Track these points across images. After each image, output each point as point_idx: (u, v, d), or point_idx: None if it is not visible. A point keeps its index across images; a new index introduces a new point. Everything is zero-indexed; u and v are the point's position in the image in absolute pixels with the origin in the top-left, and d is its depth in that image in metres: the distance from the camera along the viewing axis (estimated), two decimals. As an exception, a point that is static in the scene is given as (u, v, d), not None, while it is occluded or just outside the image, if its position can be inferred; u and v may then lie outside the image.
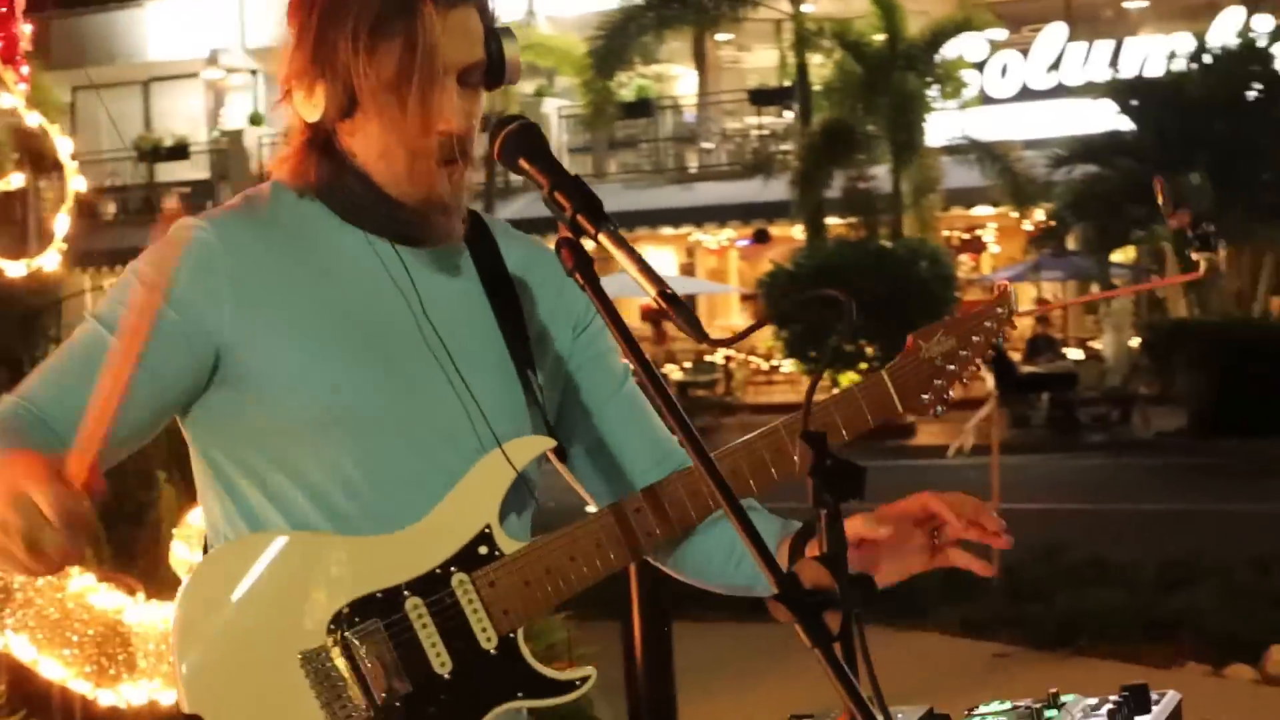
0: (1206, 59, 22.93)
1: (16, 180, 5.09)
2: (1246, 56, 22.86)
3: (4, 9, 4.99)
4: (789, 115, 28.03)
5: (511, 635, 2.21)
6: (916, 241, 24.06)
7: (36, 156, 5.40)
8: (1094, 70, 27.52)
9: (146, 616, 5.09)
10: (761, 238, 29.35)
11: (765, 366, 27.42)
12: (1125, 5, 33.23)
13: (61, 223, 5.14)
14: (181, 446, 2.95)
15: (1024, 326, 23.90)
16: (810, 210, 24.71)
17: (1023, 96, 28.15)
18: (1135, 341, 24.10)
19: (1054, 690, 2.21)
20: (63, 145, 5.15)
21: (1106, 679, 4.29)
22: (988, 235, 33.63)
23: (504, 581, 2.21)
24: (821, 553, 1.76)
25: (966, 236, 33.43)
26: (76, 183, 5.17)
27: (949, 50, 25.35)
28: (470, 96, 2.24)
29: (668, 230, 30.43)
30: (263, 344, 2.20)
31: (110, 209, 31.29)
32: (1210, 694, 7.47)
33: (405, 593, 2.19)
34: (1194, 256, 2.69)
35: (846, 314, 1.92)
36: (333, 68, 2.18)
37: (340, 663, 2.16)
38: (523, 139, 2.09)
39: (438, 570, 2.20)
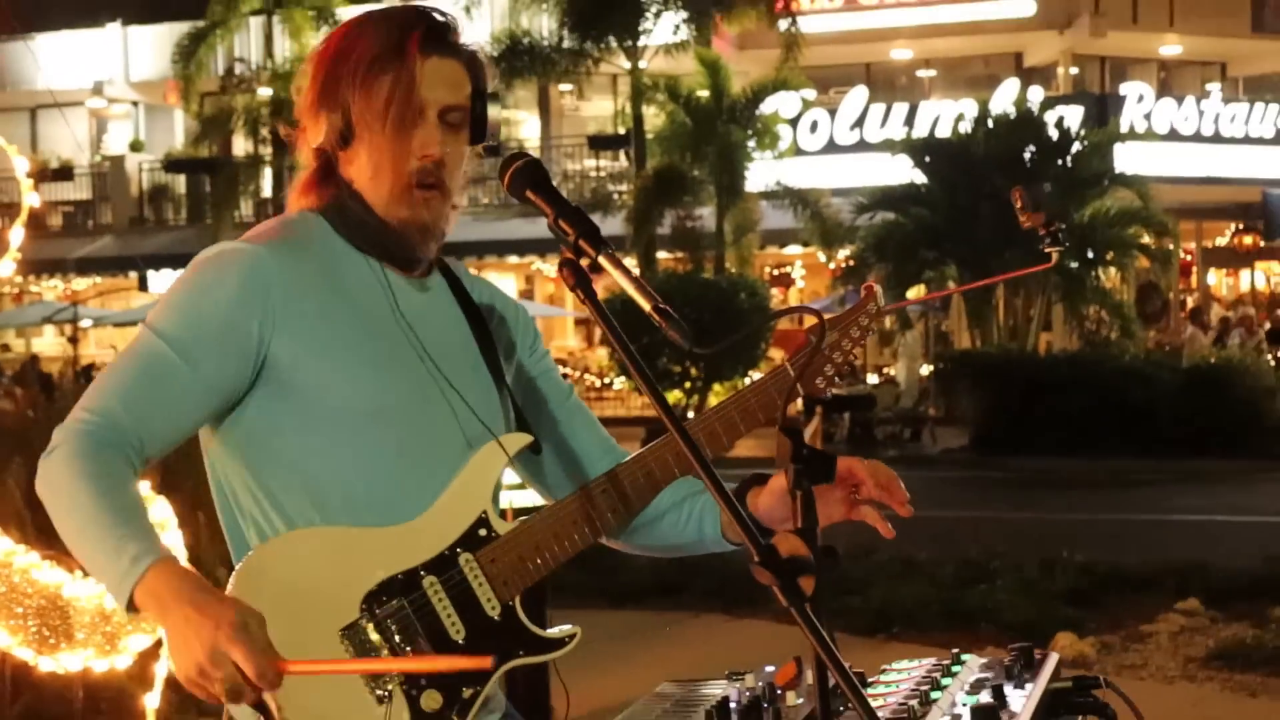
0: (989, 123, 23.16)
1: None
2: (1022, 122, 23.12)
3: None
4: (624, 160, 28.11)
5: (511, 603, 2.32)
6: (736, 276, 24.19)
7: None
8: (892, 129, 27.80)
9: (83, 591, 5.05)
10: (595, 269, 29.38)
11: (598, 384, 27.49)
12: (919, 74, 33.88)
13: (17, 234, 5.09)
14: None
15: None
16: (643, 245, 24.72)
17: (830, 150, 28.36)
18: (925, 369, 24.40)
19: (956, 650, 2.35)
20: (19, 164, 5.12)
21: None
22: (796, 272, 33.98)
23: (502, 558, 2.32)
24: (797, 527, 1.89)
25: (778, 272, 33.76)
26: (31, 198, 5.13)
27: (767, 107, 25.45)
28: (451, 134, 2.36)
29: (513, 259, 30.39)
30: (302, 347, 2.30)
31: (-2, 224, 30.63)
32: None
33: (422, 573, 2.29)
34: (1046, 249, 2.88)
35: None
36: (335, 100, 2.33)
37: (374, 635, 2.25)
38: (529, 173, 2.21)
39: (446, 552, 2.31)
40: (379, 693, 2.23)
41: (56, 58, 32.90)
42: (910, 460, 21.14)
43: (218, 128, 28.53)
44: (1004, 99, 25.31)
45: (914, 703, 2.14)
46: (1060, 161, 22.54)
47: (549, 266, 32.99)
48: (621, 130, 28.91)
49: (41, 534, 5.21)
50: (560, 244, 2.15)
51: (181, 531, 5.08)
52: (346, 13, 26.65)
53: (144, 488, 4.99)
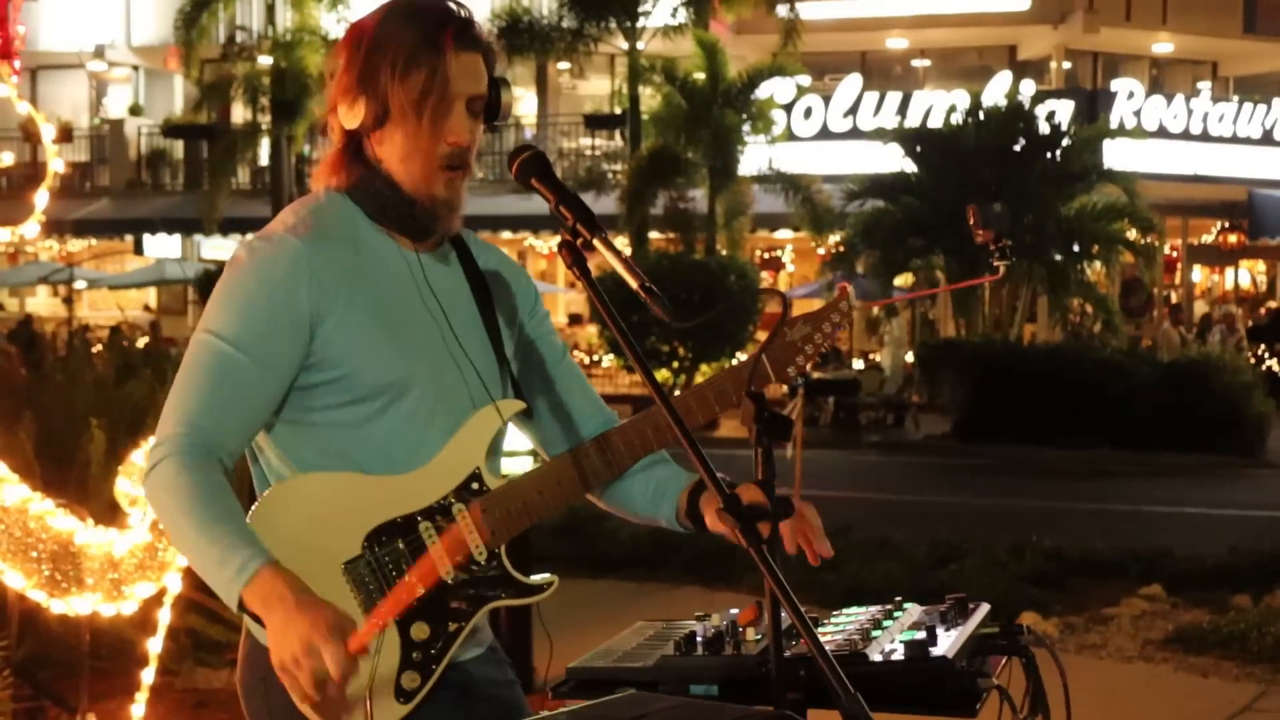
0: (980, 115, 23.22)
1: (6, 158, 5.26)
2: (1013, 115, 23.15)
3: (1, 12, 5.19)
4: (619, 139, 28.24)
5: (496, 550, 2.55)
6: (727, 258, 24.26)
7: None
8: (885, 118, 27.88)
9: (93, 539, 5.28)
10: (589, 246, 29.51)
11: (587, 361, 27.64)
12: (913, 63, 34.02)
13: (42, 197, 5.33)
14: (108, 397, 3.22)
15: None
16: (635, 225, 24.81)
17: (823, 136, 28.48)
18: (909, 356, 24.55)
19: (898, 598, 2.62)
20: (46, 131, 5.35)
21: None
22: (786, 256, 34.15)
23: (492, 509, 2.54)
24: (757, 480, 2.17)
25: (768, 256, 33.91)
26: (56, 164, 5.36)
27: (762, 91, 25.46)
28: (473, 121, 2.60)
29: (506, 234, 30.54)
30: (344, 327, 2.52)
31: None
32: None
33: (419, 518, 2.52)
34: (995, 263, 3.11)
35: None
36: (374, 87, 2.54)
37: (373, 570, 2.49)
38: (534, 163, 2.47)
39: (442, 501, 2.54)
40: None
41: (59, 20, 33.06)
42: (893, 445, 21.38)
43: (217, 95, 28.58)
44: (996, 91, 25.44)
45: (857, 638, 2.42)
46: (1050, 155, 22.61)
47: (541, 242, 33.18)
48: (617, 110, 28.94)
49: (49, 486, 5.46)
50: (560, 227, 2.42)
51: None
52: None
53: (152, 441, 5.27)
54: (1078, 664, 7.02)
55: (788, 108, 27.25)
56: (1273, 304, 32.32)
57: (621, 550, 9.96)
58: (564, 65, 30.46)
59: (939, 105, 26.56)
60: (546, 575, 2.60)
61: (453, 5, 2.63)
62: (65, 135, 34.60)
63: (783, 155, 25.62)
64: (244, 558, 2.35)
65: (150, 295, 35.79)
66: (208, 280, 24.76)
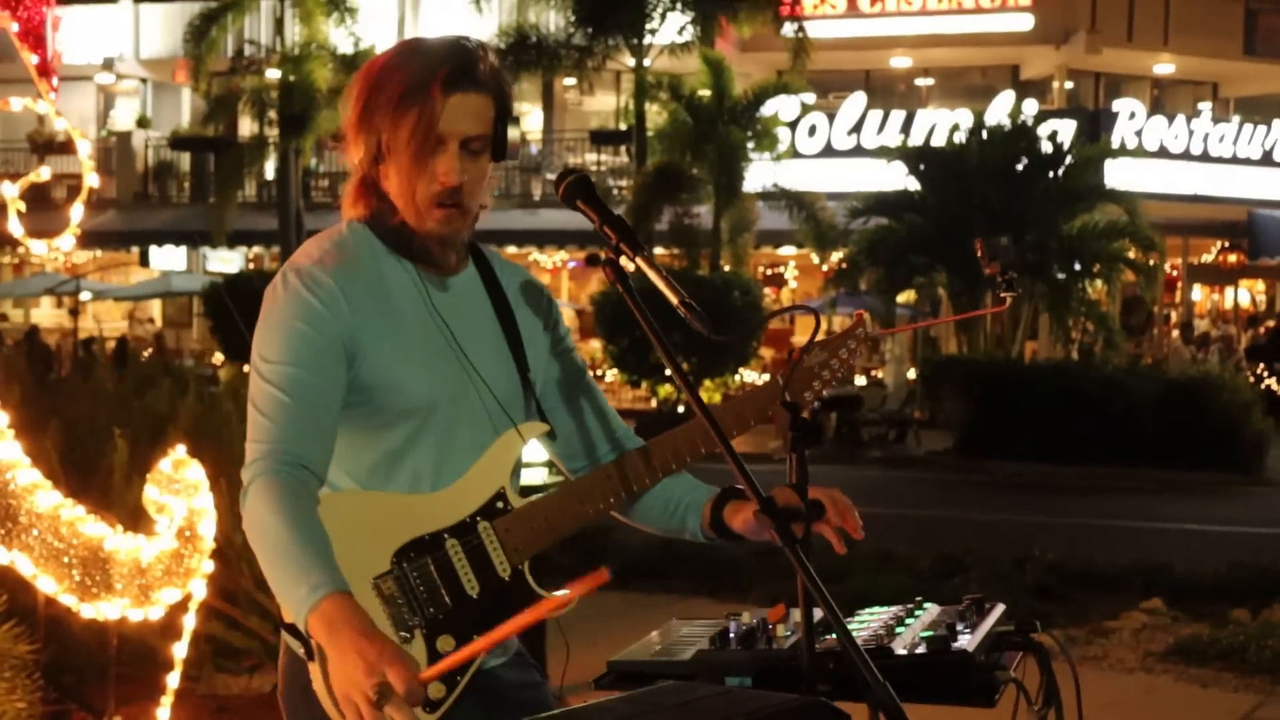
0: (984, 134, 23.28)
1: (45, 173, 5.39)
2: (1016, 134, 23.24)
3: (39, 32, 5.34)
4: (625, 156, 28.37)
5: (520, 567, 2.66)
6: (731, 274, 24.37)
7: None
8: (889, 136, 28.04)
9: (122, 545, 5.39)
10: (593, 261, 29.55)
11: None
12: (916, 82, 34.24)
13: (77, 211, 5.46)
14: (128, 409, 3.28)
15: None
16: (641, 239, 24.69)
17: (827, 154, 28.68)
18: (912, 373, 24.60)
19: (919, 598, 2.77)
20: (82, 147, 5.49)
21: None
22: (789, 273, 34.28)
23: (515, 528, 2.65)
24: (791, 484, 2.31)
25: (771, 272, 34.04)
26: (91, 178, 5.49)
27: (767, 109, 25.54)
28: (471, 160, 2.66)
29: (511, 249, 30.69)
30: (375, 350, 2.64)
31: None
32: None
33: (445, 536, 2.62)
34: (1002, 294, 3.24)
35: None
36: (371, 125, 2.64)
37: (400, 585, 2.58)
38: (579, 186, 2.60)
39: (468, 520, 2.64)
40: (402, 633, 2.55)
41: (67, 32, 33.21)
42: (895, 461, 21.42)
43: (225, 108, 28.71)
44: (999, 111, 25.56)
45: (882, 633, 2.57)
46: (1052, 174, 22.72)
47: (545, 257, 33.33)
48: (623, 126, 29.07)
49: (73, 494, 5.57)
50: (604, 245, 2.55)
51: (212, 494, 5.45)
52: (356, 0, 26.95)
53: (180, 450, 5.38)
54: (1080, 675, 7.15)
55: (792, 125, 27.38)
56: (1271, 323, 32.44)
57: (630, 562, 10.09)
58: (570, 81, 30.56)
59: (942, 124, 26.70)
60: (567, 592, 2.62)
61: (461, 44, 2.70)
62: (69, 148, 34.79)
63: (787, 172, 25.73)
64: (315, 582, 2.40)
65: (154, 307, 35.94)
66: (214, 292, 24.89)
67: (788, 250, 29.80)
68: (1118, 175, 24.36)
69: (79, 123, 34.55)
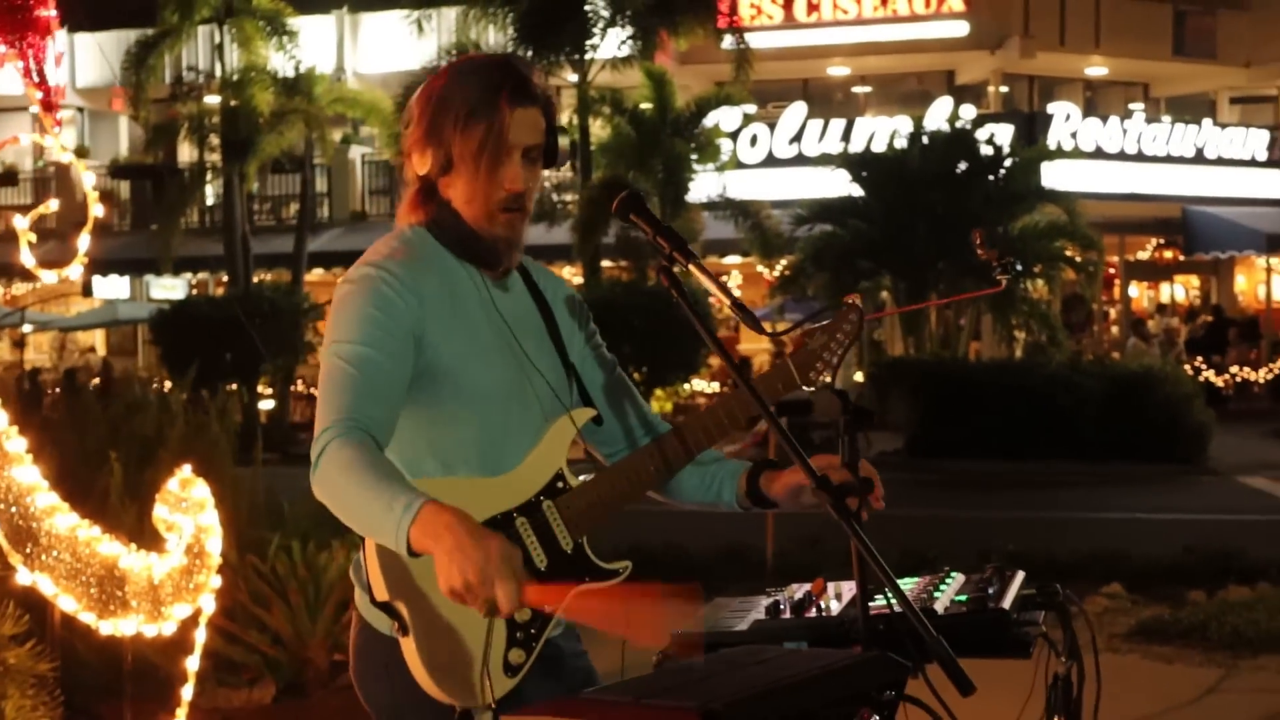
0: (923, 139, 23.56)
1: (53, 205, 5.58)
2: (955, 139, 23.53)
3: (42, 69, 5.52)
4: (570, 170, 28.51)
5: (580, 541, 2.89)
6: (679, 284, 24.65)
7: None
8: (829, 144, 28.33)
9: (135, 563, 5.56)
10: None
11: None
12: (854, 90, 34.64)
13: (84, 240, 5.64)
14: (121, 431, 3.44)
15: (767, 360, 24.65)
16: (588, 254, 24.96)
17: (769, 163, 28.91)
18: (859, 376, 24.90)
19: (947, 568, 3.03)
20: (86, 178, 5.68)
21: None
22: (733, 281, 34.55)
23: (574, 504, 2.87)
24: (844, 462, 2.57)
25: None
26: (96, 209, 5.68)
27: (709, 121, 25.72)
28: (530, 167, 2.94)
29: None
30: (442, 341, 2.86)
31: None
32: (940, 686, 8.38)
33: (515, 515, 2.84)
34: (998, 276, 3.49)
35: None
36: (440, 139, 2.89)
37: None
38: (633, 201, 2.86)
39: (533, 499, 2.86)
40: None
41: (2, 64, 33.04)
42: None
43: (165, 135, 28.68)
44: (937, 116, 25.92)
45: (923, 597, 2.83)
46: (992, 178, 23.01)
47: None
48: (568, 141, 29.17)
49: (88, 516, 5.73)
50: (658, 254, 2.81)
51: (220, 510, 5.64)
52: (296, 23, 26.98)
53: (186, 470, 5.57)
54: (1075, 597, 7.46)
55: (734, 135, 27.62)
56: (1208, 317, 33.02)
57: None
58: (512, 98, 30.59)
59: (882, 131, 27.02)
60: (624, 561, 2.93)
61: (514, 62, 2.98)
62: (11, 179, 34.65)
63: (731, 182, 25.96)
64: (407, 499, 2.58)
65: (96, 337, 35.79)
66: (161, 320, 24.90)
67: (733, 259, 30.04)
68: (1055, 176, 24.68)
69: (15, 154, 34.45)
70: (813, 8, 31.58)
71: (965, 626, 2.66)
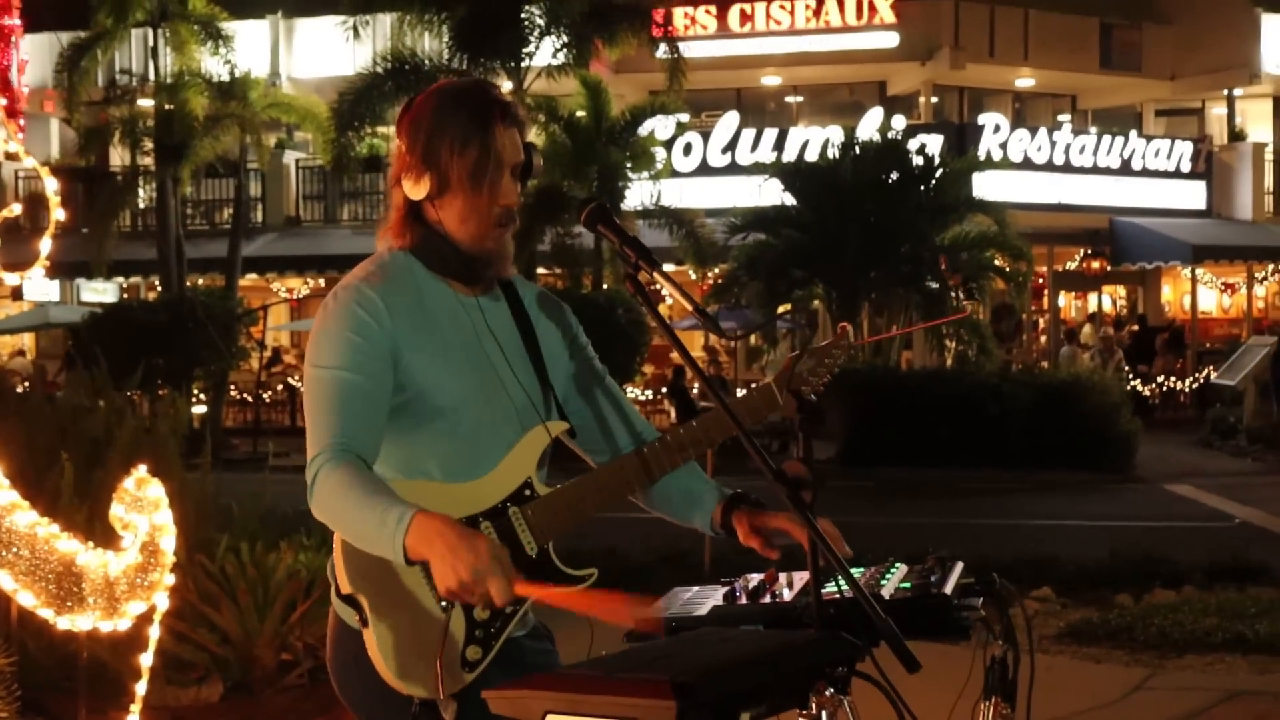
0: (855, 149, 23.71)
1: (16, 209, 5.70)
2: (887, 149, 23.69)
3: (5, 76, 5.64)
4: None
5: (545, 547, 3.03)
6: (613, 292, 24.58)
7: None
8: (762, 153, 28.56)
9: (93, 561, 5.68)
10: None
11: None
12: (787, 100, 34.95)
13: (45, 244, 5.77)
14: (71, 431, 3.50)
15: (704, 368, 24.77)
16: (524, 261, 24.54)
17: (703, 172, 29.11)
18: (792, 383, 24.87)
19: (890, 558, 3.23)
20: (49, 184, 5.81)
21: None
22: (666, 289, 34.62)
23: (539, 512, 3.01)
24: (799, 457, 2.76)
25: (650, 289, 34.34)
26: (58, 213, 5.81)
27: (643, 129, 25.80)
28: (514, 184, 3.12)
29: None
30: (417, 357, 3.02)
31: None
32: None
33: (480, 519, 2.98)
34: (962, 303, 3.69)
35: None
36: (436, 164, 3.04)
37: None
38: (600, 213, 3.04)
39: (499, 505, 3.00)
40: (443, 603, 2.86)
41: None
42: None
43: (98, 138, 28.54)
44: (869, 126, 26.22)
45: (871, 584, 3.04)
46: (922, 188, 23.20)
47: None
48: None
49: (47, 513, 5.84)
50: (624, 264, 2.99)
51: (171, 510, 5.76)
52: (231, 27, 26.91)
53: (141, 470, 5.69)
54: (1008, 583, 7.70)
55: (668, 144, 27.74)
56: (1134, 327, 33.54)
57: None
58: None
59: (814, 140, 27.29)
60: (590, 570, 3.07)
61: (490, 87, 3.16)
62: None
63: (664, 191, 26.08)
64: (398, 513, 2.76)
65: (25, 340, 35.50)
66: (94, 323, 24.78)
67: (668, 267, 29.55)
68: (985, 187, 24.99)
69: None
70: (746, 18, 31.85)
71: (909, 610, 2.86)
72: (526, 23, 24.35)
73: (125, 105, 28.00)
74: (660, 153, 26.71)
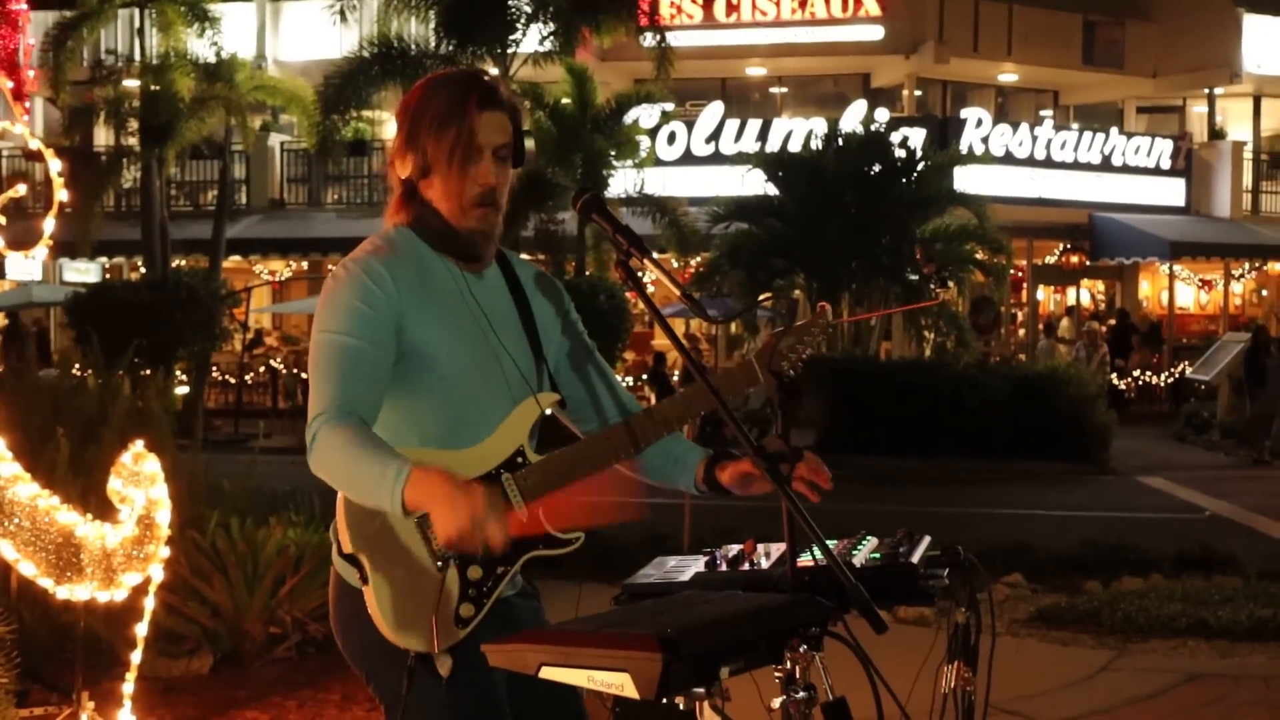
0: (838, 141, 23.80)
1: (21, 189, 5.85)
2: (870, 141, 23.82)
3: (13, 59, 5.80)
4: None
5: (536, 512, 3.15)
6: (596, 278, 24.68)
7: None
8: (746, 143, 28.72)
9: (90, 532, 5.85)
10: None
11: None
12: (771, 91, 35.09)
13: (49, 224, 5.93)
14: (64, 408, 3.64)
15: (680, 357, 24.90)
16: (508, 246, 24.57)
17: (686, 161, 29.29)
18: (773, 371, 24.96)
19: (862, 531, 3.44)
20: (53, 165, 5.97)
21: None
22: (648, 277, 34.73)
23: (531, 479, 3.15)
24: (777, 433, 2.96)
25: (633, 277, 34.47)
26: (62, 194, 5.97)
27: (628, 117, 25.88)
28: (500, 165, 3.25)
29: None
30: (419, 328, 3.16)
31: None
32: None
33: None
34: (935, 290, 3.88)
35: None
36: (418, 145, 3.22)
37: None
38: (594, 202, 3.21)
39: (494, 471, 3.13)
40: (439, 563, 3.01)
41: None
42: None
43: (83, 118, 28.54)
44: (852, 118, 26.39)
45: (844, 553, 3.24)
46: (905, 180, 23.30)
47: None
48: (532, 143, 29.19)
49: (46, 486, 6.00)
50: (616, 250, 3.17)
51: (169, 485, 5.93)
52: (218, 9, 26.95)
53: (138, 445, 5.86)
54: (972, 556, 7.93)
55: (652, 133, 27.80)
56: (1112, 321, 33.77)
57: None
58: (432, 91, 30.55)
59: (798, 131, 27.45)
60: (578, 533, 3.21)
61: (479, 73, 3.32)
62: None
63: (648, 179, 26.13)
64: (396, 466, 2.90)
65: None
66: (77, 303, 24.84)
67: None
68: (966, 180, 25.13)
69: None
70: (732, 8, 31.97)
71: (878, 577, 3.07)
72: (514, 9, 24.37)
73: (110, 86, 27.94)
74: (645, 141, 26.72)
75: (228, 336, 27.16)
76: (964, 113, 31.02)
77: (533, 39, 24.92)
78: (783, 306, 27.93)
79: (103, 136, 30.80)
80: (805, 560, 3.07)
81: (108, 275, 33.54)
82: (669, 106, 27.79)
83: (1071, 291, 36.86)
